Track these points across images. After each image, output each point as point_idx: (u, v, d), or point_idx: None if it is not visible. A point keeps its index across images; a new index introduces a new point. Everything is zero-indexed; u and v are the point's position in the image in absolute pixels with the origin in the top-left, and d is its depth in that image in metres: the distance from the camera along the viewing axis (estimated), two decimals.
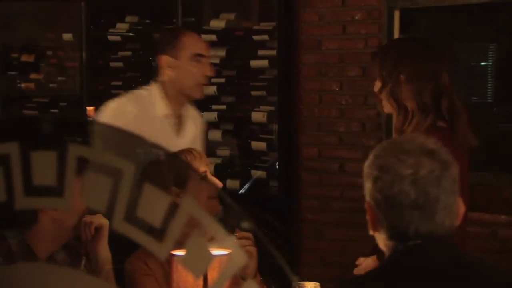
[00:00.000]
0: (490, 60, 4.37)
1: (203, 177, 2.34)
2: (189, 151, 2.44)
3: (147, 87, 2.95)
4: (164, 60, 2.84)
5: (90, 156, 0.90)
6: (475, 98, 4.55)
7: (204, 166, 2.40)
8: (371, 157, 1.53)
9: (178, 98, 2.88)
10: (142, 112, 2.84)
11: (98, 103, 4.90)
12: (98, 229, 2.13)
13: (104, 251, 2.16)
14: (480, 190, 3.89)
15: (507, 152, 4.09)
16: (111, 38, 4.95)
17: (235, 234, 2.20)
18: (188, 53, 2.83)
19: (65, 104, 5.23)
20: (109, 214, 0.90)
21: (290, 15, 4.33)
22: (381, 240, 1.53)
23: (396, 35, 4.08)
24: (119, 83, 4.91)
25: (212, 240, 0.90)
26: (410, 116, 2.45)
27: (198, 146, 2.96)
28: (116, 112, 2.85)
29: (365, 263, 2.56)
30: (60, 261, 2.10)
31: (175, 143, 2.85)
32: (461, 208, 1.51)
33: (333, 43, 4.23)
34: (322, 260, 4.09)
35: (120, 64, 4.93)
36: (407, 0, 4.06)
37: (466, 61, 4.51)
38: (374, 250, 2.48)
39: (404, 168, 1.46)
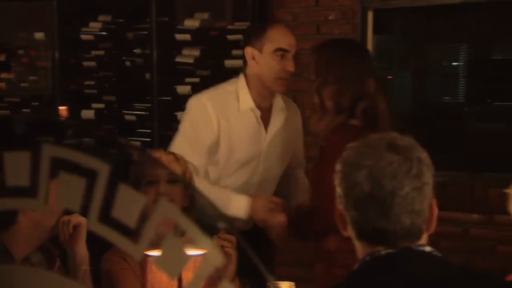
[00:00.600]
0: (462, 60, 4.41)
1: (174, 180, 2.33)
2: (169, 153, 2.45)
3: (233, 80, 2.97)
4: (249, 52, 2.87)
5: (65, 156, 0.88)
6: (447, 98, 4.59)
7: (180, 170, 2.39)
8: (339, 162, 1.51)
9: (261, 90, 2.91)
10: (225, 106, 2.87)
11: (70, 102, 4.93)
12: (76, 227, 2.11)
13: (82, 250, 2.14)
14: (453, 189, 3.93)
15: (479, 152, 4.13)
16: (83, 37, 4.91)
17: (218, 235, 2.20)
18: (271, 47, 2.84)
19: (37, 103, 5.17)
20: (83, 215, 0.90)
21: (264, 15, 4.33)
22: (352, 239, 1.50)
23: (369, 35, 4.10)
24: (92, 82, 4.88)
25: (188, 240, 0.90)
26: (325, 114, 2.60)
27: (284, 140, 3.00)
28: (200, 110, 2.87)
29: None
30: (35, 263, 2.08)
31: (262, 136, 2.92)
32: (433, 208, 1.45)
33: (307, 43, 4.20)
34: (298, 259, 4.09)
35: (93, 63, 4.89)
36: (380, 1, 4.08)
37: (439, 61, 4.55)
38: None
39: (363, 160, 1.43)
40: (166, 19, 4.63)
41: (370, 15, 4.10)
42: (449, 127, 4.31)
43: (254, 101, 2.90)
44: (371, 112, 2.61)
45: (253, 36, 2.90)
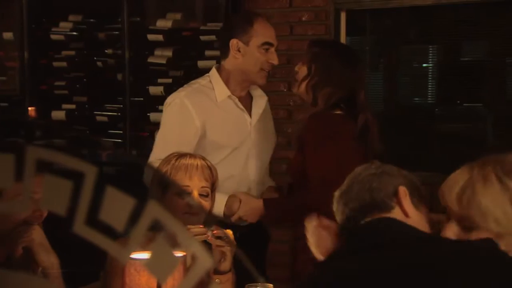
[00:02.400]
0: (432, 62, 4.45)
1: (180, 192, 2.32)
2: (203, 158, 2.42)
3: (206, 75, 3.01)
4: (234, 44, 2.89)
5: (50, 158, 0.86)
6: (417, 99, 4.63)
7: (203, 181, 2.36)
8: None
9: (240, 81, 2.96)
10: (203, 100, 2.90)
11: (40, 103, 4.86)
12: (28, 247, 2.07)
13: (45, 261, 2.08)
14: (425, 190, 3.95)
15: (449, 153, 4.17)
16: (54, 37, 4.85)
17: (212, 230, 2.19)
18: (258, 40, 2.90)
19: (6, 104, 5.10)
20: (69, 218, 0.87)
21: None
22: None
23: (342, 36, 4.12)
24: (63, 83, 4.83)
25: (177, 244, 0.88)
26: (315, 107, 2.75)
27: (268, 125, 3.10)
28: (180, 109, 2.88)
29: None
30: (16, 265, 2.04)
31: (247, 121, 2.97)
32: (401, 193, 1.67)
33: (281, 44, 4.20)
34: (270, 260, 4.08)
35: (63, 63, 4.83)
36: (353, 2, 4.10)
37: (409, 62, 4.59)
38: None
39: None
40: (138, 19, 4.60)
41: (343, 16, 4.12)
42: (420, 128, 4.34)
43: (231, 90, 2.95)
44: (355, 112, 2.76)
45: (239, 28, 2.93)
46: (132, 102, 4.50)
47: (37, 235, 2.06)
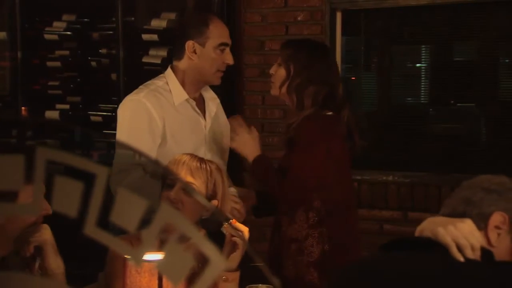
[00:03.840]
0: (425, 62, 4.46)
1: (186, 188, 2.30)
2: (186, 155, 2.40)
3: (162, 75, 2.95)
4: (190, 45, 2.86)
5: (61, 159, 0.85)
6: (411, 99, 4.63)
7: (189, 177, 2.35)
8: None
9: (195, 83, 2.92)
10: (162, 102, 2.84)
11: (34, 103, 4.84)
12: (40, 247, 2.05)
13: (52, 263, 2.08)
14: (420, 190, 3.96)
15: (444, 153, 4.17)
16: (47, 36, 4.83)
17: (230, 222, 2.19)
18: (215, 42, 2.86)
19: None
20: (80, 220, 0.86)
21: (232, 16, 4.31)
22: None
23: (338, 36, 4.12)
24: (57, 83, 4.81)
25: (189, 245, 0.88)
26: (303, 110, 2.74)
27: (222, 125, 3.03)
28: (137, 108, 2.82)
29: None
30: (12, 266, 2.02)
31: (202, 124, 2.93)
32: None
33: (276, 44, 4.23)
34: (266, 261, 4.08)
35: (57, 63, 4.81)
36: (348, 2, 4.10)
37: (403, 62, 4.59)
38: None
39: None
40: (132, 19, 4.58)
41: (338, 16, 4.11)
42: (414, 128, 4.35)
43: (187, 92, 2.91)
44: (339, 107, 2.78)
45: (194, 30, 2.88)
46: None
47: (49, 235, 2.05)
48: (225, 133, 3.06)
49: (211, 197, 2.38)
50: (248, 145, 2.83)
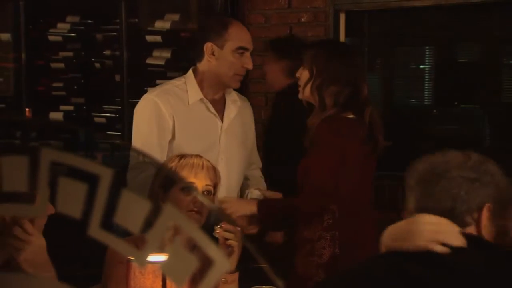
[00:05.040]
0: (429, 63, 4.45)
1: (188, 188, 2.30)
2: (199, 158, 2.41)
3: (183, 76, 2.99)
4: (209, 47, 2.86)
5: (65, 161, 0.85)
6: (414, 100, 4.63)
7: (208, 180, 2.36)
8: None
9: (213, 85, 2.93)
10: (174, 101, 2.87)
11: (38, 104, 4.84)
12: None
13: (34, 266, 2.05)
14: None
15: None
16: (51, 38, 4.83)
17: (221, 226, 2.19)
18: (233, 45, 2.86)
19: (3, 105, 5.08)
20: (84, 221, 0.86)
21: (236, 17, 4.31)
22: None
23: (342, 37, 4.11)
24: (60, 84, 4.82)
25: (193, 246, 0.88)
26: (325, 110, 2.72)
27: (245, 128, 3.04)
28: (147, 106, 2.87)
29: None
30: (15, 267, 2.02)
31: (218, 125, 2.94)
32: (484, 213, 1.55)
33: None
34: (279, 259, 4.08)
35: (61, 65, 4.82)
36: (352, 3, 4.10)
37: (407, 63, 4.59)
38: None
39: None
40: (136, 20, 4.58)
41: (342, 17, 4.11)
42: (417, 129, 4.34)
43: (204, 93, 2.92)
44: (361, 107, 2.76)
45: (213, 32, 2.89)
46: (130, 103, 4.47)
47: (35, 247, 1.99)
48: (249, 136, 3.09)
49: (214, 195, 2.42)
50: (241, 204, 2.81)
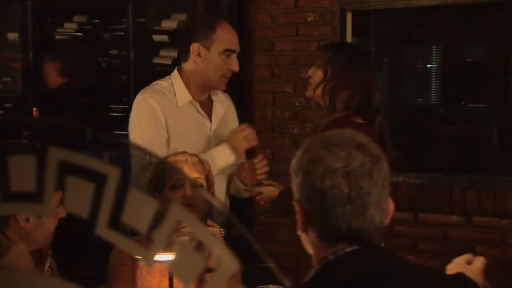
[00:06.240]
0: (436, 63, 4.44)
1: (196, 185, 2.31)
2: (193, 155, 2.43)
3: (168, 77, 2.96)
4: (195, 48, 2.85)
5: (72, 160, 0.86)
6: (422, 100, 4.62)
7: (195, 173, 2.37)
8: (300, 151, 1.48)
9: (200, 86, 2.92)
10: (166, 103, 2.86)
11: (45, 104, 4.85)
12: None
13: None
14: (431, 192, 3.94)
15: (455, 154, 4.16)
16: (59, 38, 4.84)
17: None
18: (220, 47, 2.85)
19: (10, 105, 5.09)
20: (92, 220, 0.87)
21: (242, 16, 4.31)
22: (309, 241, 1.49)
23: (348, 36, 4.11)
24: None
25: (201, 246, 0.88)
26: (334, 113, 2.71)
27: (228, 127, 3.01)
28: (143, 106, 2.86)
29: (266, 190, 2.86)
30: None
31: (207, 126, 2.93)
32: (391, 206, 1.49)
33: (286, 44, 4.24)
34: (275, 263, 4.07)
35: None
36: (359, 2, 4.09)
37: (414, 63, 4.58)
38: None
39: (336, 161, 1.41)
40: (143, 20, 4.59)
41: (349, 16, 4.10)
42: (424, 129, 4.33)
43: (192, 94, 2.91)
44: (372, 115, 2.74)
45: (200, 33, 2.88)
46: None
47: (16, 253, 2.00)
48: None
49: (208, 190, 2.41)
50: (271, 191, 2.89)
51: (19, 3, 4.88)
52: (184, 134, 2.88)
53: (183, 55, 2.92)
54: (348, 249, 1.43)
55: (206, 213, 2.32)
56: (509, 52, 4.15)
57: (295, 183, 1.47)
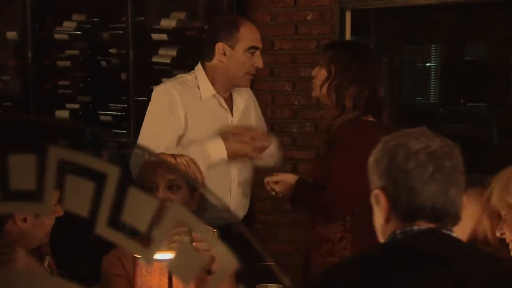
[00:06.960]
0: (435, 61, 4.45)
1: (175, 186, 2.29)
2: (180, 156, 2.41)
3: (192, 71, 3.01)
4: (220, 47, 2.90)
5: (72, 159, 0.86)
6: (421, 98, 4.63)
7: (169, 175, 2.35)
8: (378, 147, 1.56)
9: (224, 84, 2.96)
10: (189, 95, 2.90)
11: (44, 103, 4.85)
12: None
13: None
14: None
15: None
16: (57, 36, 4.84)
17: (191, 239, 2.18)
18: (244, 45, 2.90)
19: (9, 104, 5.09)
20: (91, 219, 0.87)
21: (242, 15, 4.31)
22: (388, 230, 1.54)
23: (347, 35, 4.11)
24: (67, 82, 4.82)
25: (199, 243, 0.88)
26: (344, 112, 2.71)
27: (251, 120, 3.08)
28: (163, 95, 2.90)
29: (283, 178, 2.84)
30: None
31: (229, 120, 2.97)
32: (465, 198, 1.53)
33: (285, 43, 4.23)
34: (275, 261, 4.07)
35: (67, 63, 4.82)
36: (358, 1, 4.09)
37: (413, 62, 4.58)
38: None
39: (417, 143, 1.50)
40: (142, 18, 4.58)
41: (348, 15, 4.10)
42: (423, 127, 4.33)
43: (216, 90, 2.96)
44: (379, 110, 2.76)
45: (224, 32, 2.92)
46: (136, 102, 4.49)
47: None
48: (257, 124, 3.12)
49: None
50: (289, 177, 2.87)
51: (18, 2, 4.87)
52: (205, 127, 2.91)
53: (208, 55, 2.96)
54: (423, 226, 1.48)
55: (197, 212, 2.29)
56: (509, 51, 4.16)
57: (378, 171, 1.54)
